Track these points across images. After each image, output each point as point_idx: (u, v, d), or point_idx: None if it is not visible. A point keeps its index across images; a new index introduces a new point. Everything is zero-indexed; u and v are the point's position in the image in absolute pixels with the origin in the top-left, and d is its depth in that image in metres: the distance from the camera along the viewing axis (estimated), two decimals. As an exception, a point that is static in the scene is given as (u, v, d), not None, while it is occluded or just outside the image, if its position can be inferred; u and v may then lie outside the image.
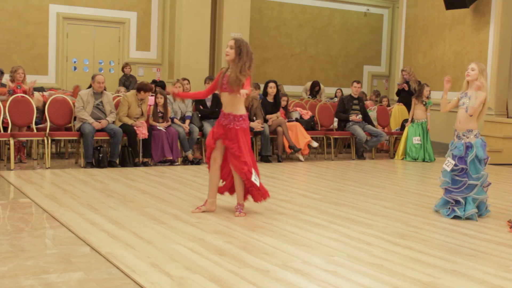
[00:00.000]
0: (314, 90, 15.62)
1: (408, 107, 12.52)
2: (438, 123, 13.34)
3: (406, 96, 13.00)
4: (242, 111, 6.21)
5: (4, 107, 9.21)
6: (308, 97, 15.29)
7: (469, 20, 14.08)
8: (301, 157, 11.16)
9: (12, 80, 10.04)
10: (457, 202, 6.46)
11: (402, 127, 12.70)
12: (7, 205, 6.59)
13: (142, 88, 9.73)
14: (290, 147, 10.92)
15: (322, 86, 15.88)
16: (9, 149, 9.13)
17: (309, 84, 15.86)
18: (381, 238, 5.45)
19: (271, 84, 11.28)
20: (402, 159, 11.95)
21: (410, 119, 12.12)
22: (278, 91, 11.39)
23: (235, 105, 6.17)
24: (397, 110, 13.20)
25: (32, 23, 14.34)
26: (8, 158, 9.18)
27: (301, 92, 16.30)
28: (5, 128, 9.25)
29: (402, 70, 13.60)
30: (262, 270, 4.37)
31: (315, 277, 4.26)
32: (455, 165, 6.47)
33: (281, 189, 8.04)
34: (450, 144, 6.69)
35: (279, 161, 10.85)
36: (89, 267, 4.35)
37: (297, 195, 7.68)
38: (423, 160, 11.71)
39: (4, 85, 10.71)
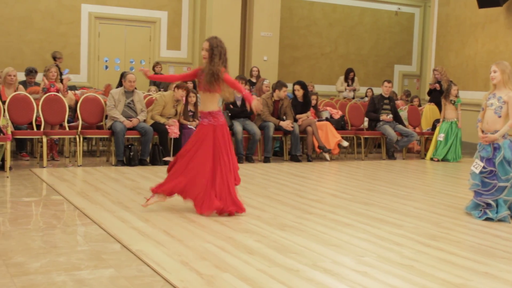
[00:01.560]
0: (349, 76, 15.54)
1: (440, 107, 12.40)
2: (469, 123, 13.16)
3: (437, 96, 12.87)
4: (217, 107, 6.26)
5: (37, 105, 9.35)
6: (346, 86, 15.27)
7: (502, 18, 13.88)
8: (327, 157, 11.12)
9: (46, 79, 10.17)
10: (488, 204, 6.37)
11: (433, 127, 12.59)
12: (40, 202, 6.68)
13: (181, 86, 9.83)
14: (319, 147, 10.89)
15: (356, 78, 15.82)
16: (42, 146, 9.26)
17: (342, 77, 15.78)
18: (411, 239, 5.41)
19: (296, 87, 11.25)
20: (431, 158, 11.86)
21: (441, 119, 12.01)
22: (306, 91, 11.35)
23: (213, 102, 6.21)
24: (429, 110, 13.08)
25: (65, 22, 14.51)
26: (41, 156, 9.31)
27: (335, 90, 16.21)
28: (38, 126, 9.38)
29: (434, 70, 13.46)
30: (291, 269, 4.37)
31: (345, 277, 4.24)
32: (484, 167, 6.38)
33: (311, 189, 8.02)
34: (478, 145, 6.61)
35: (309, 161, 10.83)
36: (119, 264, 4.39)
37: (327, 195, 7.65)
38: (448, 160, 11.62)
39: (38, 84, 10.86)
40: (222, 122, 6.21)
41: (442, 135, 11.76)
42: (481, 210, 6.42)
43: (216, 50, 6.06)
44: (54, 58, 13.44)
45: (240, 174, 8.97)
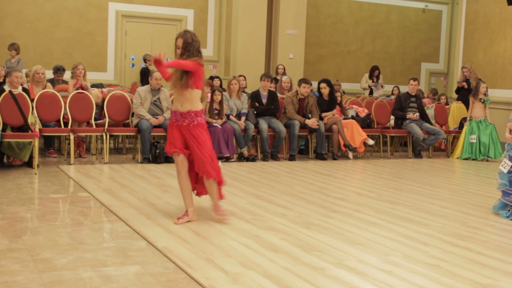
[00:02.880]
0: (374, 74, 15.51)
1: (468, 105, 12.26)
2: (497, 121, 13.01)
3: (465, 94, 12.74)
4: (200, 106, 5.68)
5: (65, 103, 9.44)
6: (371, 84, 15.26)
7: (532, 16, 13.68)
8: (350, 155, 11.07)
9: (73, 77, 10.29)
10: (517, 204, 6.30)
11: (461, 126, 12.46)
12: (67, 199, 6.75)
13: (206, 83, 9.93)
14: (345, 145, 10.84)
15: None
16: (69, 144, 9.35)
17: (366, 74, 15.75)
18: (438, 238, 5.36)
19: (322, 85, 11.21)
20: (459, 157, 11.75)
21: (468, 118, 11.88)
22: (332, 89, 11.30)
23: (193, 100, 5.61)
24: (456, 108, 12.95)
25: (92, 21, 14.63)
26: (68, 153, 9.40)
27: (359, 88, 16.16)
28: (66, 124, 9.47)
29: (463, 68, 13.32)
30: (316, 268, 4.36)
31: (371, 276, 4.22)
32: (512, 166, 6.30)
33: (336, 187, 7.99)
34: (506, 145, 6.52)
35: (334, 159, 10.79)
36: (145, 261, 4.41)
37: (352, 193, 7.62)
38: (482, 159, 11.48)
39: (65, 82, 10.98)
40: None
41: (475, 136, 11.63)
42: (509, 210, 6.34)
43: (190, 46, 5.53)
44: (145, 60, 14.17)
45: (266, 172, 9.04)
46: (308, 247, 4.89)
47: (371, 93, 15.36)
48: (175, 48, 5.63)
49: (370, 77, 15.55)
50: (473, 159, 11.57)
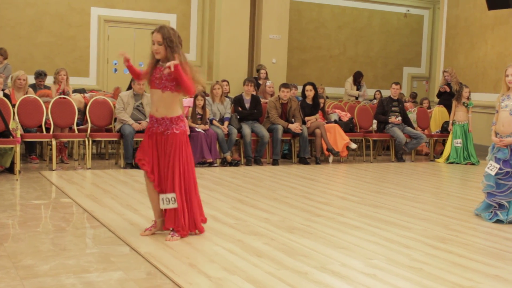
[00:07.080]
0: (358, 80, 15.64)
1: (450, 109, 12.35)
2: (478, 125, 13.14)
3: (447, 98, 12.83)
4: (178, 112, 5.17)
5: (47, 108, 9.38)
6: (355, 93, 15.43)
7: (512, 20, 13.83)
8: (330, 159, 11.10)
9: (55, 82, 10.24)
10: (501, 206, 6.33)
11: (443, 129, 12.54)
12: (49, 205, 6.70)
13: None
14: (328, 150, 10.88)
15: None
16: (51, 149, 9.29)
17: (351, 78, 15.86)
18: (420, 242, 5.39)
19: (308, 87, 11.24)
20: (445, 162, 11.81)
21: (451, 122, 11.94)
22: (316, 92, 11.35)
23: (170, 105, 5.13)
24: (438, 112, 13.04)
25: (74, 25, 14.57)
26: (50, 159, 9.34)
27: (343, 92, 16.24)
28: (48, 129, 9.42)
29: (444, 71, 13.42)
30: (300, 272, 4.36)
31: (354, 280, 4.23)
32: (500, 168, 6.34)
33: (319, 191, 8.01)
34: (491, 148, 6.56)
35: (317, 163, 10.82)
36: (128, 267, 4.40)
37: (335, 197, 7.64)
38: (466, 163, 11.54)
39: (47, 87, 10.91)
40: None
41: (459, 140, 11.68)
42: (491, 212, 6.39)
43: (170, 42, 5.11)
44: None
45: (249, 177, 9.04)
46: (292, 252, 4.90)
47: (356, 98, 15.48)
48: (152, 43, 5.26)
49: (355, 83, 15.65)
50: (457, 163, 11.64)
